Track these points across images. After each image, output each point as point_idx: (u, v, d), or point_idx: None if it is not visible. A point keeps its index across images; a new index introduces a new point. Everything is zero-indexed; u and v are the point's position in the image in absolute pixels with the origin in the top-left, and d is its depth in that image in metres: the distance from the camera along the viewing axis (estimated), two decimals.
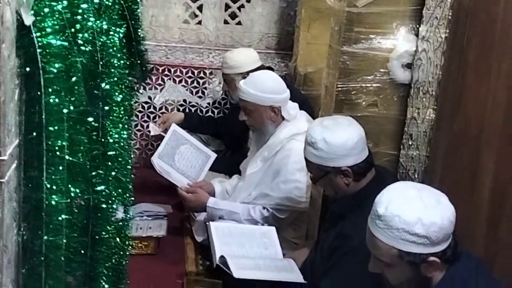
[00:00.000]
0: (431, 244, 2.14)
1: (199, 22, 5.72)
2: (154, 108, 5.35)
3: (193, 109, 5.38)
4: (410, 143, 3.39)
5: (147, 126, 5.12)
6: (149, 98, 5.34)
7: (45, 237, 1.40)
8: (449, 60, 2.92)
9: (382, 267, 2.23)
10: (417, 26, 3.35)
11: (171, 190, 4.31)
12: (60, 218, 1.41)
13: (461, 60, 2.76)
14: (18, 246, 1.48)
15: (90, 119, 1.54)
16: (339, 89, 3.54)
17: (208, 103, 5.38)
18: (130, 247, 2.42)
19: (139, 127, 5.36)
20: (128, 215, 2.20)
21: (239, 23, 5.76)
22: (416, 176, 3.38)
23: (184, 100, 5.37)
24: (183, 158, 4.29)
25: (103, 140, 1.65)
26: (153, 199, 4.41)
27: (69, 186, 1.43)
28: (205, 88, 5.37)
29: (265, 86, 3.87)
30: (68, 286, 1.61)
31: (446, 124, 2.89)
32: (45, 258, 1.41)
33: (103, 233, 1.68)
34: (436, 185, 3.05)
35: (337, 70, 3.50)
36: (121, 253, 2.09)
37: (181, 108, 5.35)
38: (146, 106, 5.34)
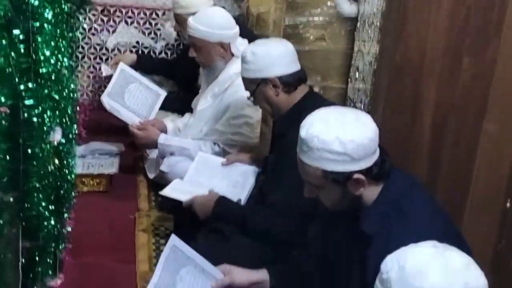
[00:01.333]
0: (352, 161, 2.18)
1: None
2: (107, 50, 5.31)
3: (146, 51, 5.35)
4: (357, 76, 3.44)
5: (100, 68, 5.09)
6: (102, 40, 5.29)
7: None
8: None
9: (315, 191, 2.28)
10: None
11: (124, 130, 4.31)
12: None
13: None
14: None
15: (16, 31, 1.54)
16: (287, 23, 3.56)
17: (162, 45, 5.36)
18: (73, 173, 2.44)
19: (91, 69, 5.32)
20: (69, 140, 2.20)
21: None
22: (362, 108, 3.43)
23: (137, 42, 5.34)
24: (133, 97, 4.28)
25: (34, 56, 1.65)
26: (106, 138, 4.40)
27: None
28: (158, 29, 5.34)
29: (214, 22, 3.86)
30: (2, 202, 1.63)
31: (388, 55, 2.93)
32: None
33: (37, 149, 1.69)
34: (379, 116, 3.12)
35: (284, 4, 3.52)
36: (61, 175, 2.10)
37: (134, 50, 5.32)
38: (98, 48, 5.30)
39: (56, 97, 1.86)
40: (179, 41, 5.28)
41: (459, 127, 2.86)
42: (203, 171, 3.60)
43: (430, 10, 2.78)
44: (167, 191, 3.40)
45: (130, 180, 4.25)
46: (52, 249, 2.10)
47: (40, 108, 1.69)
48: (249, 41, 4.00)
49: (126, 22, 5.28)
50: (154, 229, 3.74)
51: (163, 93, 4.39)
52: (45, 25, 1.71)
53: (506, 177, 2.83)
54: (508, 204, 2.72)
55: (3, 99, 1.46)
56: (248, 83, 3.19)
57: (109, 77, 4.75)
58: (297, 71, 3.09)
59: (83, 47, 5.25)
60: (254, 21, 5.10)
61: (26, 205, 1.70)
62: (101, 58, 5.29)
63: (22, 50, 1.57)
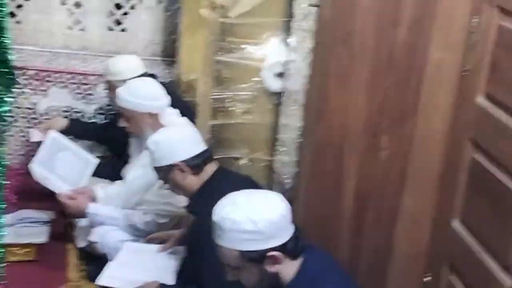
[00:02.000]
0: (266, 239, 2.26)
1: (83, 29, 5.71)
2: (38, 113, 5.31)
3: (77, 115, 5.36)
4: (282, 149, 3.55)
5: (28, 133, 5.07)
6: (33, 104, 5.29)
7: None
8: (313, 70, 3.08)
9: (236, 273, 2.35)
10: (288, 37, 3.50)
11: (54, 196, 4.30)
12: None
13: (323, 70, 2.92)
14: None
15: None
16: (215, 97, 3.66)
17: (93, 109, 5.38)
18: (2, 252, 2.44)
19: (22, 134, 5.30)
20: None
21: (124, 29, 5.77)
22: (288, 180, 3.53)
23: (68, 106, 5.35)
24: (63, 164, 4.28)
25: None
26: (36, 205, 4.40)
27: None
28: (90, 94, 5.36)
29: (141, 93, 3.94)
30: None
31: (311, 131, 3.05)
32: None
33: None
34: (303, 189, 3.22)
35: (212, 78, 3.62)
36: None
37: (65, 114, 5.33)
38: (29, 111, 5.29)
39: None
40: (111, 106, 5.31)
41: (380, 202, 2.98)
42: (131, 257, 3.62)
43: (351, 90, 2.92)
44: (103, 280, 3.39)
45: (59, 249, 4.24)
46: None
47: None
48: (176, 107, 4.10)
49: (58, 86, 5.29)
50: None
51: (94, 161, 4.39)
52: None
53: (423, 250, 2.96)
54: (425, 279, 2.85)
55: None
56: (158, 172, 3.31)
57: (39, 143, 4.75)
58: (202, 152, 3.20)
59: (13, 111, 5.22)
60: (184, 87, 5.20)
61: None
62: (32, 122, 5.28)
63: None
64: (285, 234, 2.33)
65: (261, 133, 3.67)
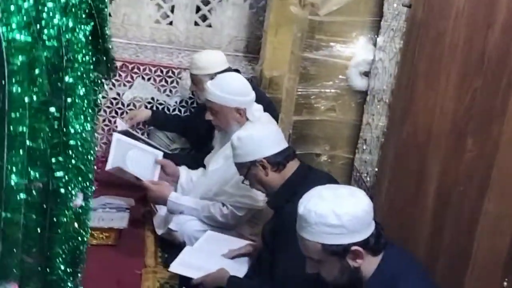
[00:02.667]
0: (349, 233, 2.30)
1: (170, 23, 5.83)
2: (122, 104, 5.46)
3: (160, 107, 5.49)
4: (364, 147, 3.55)
5: (115, 122, 5.22)
6: (118, 94, 5.44)
7: (3, 214, 1.51)
8: (401, 70, 3.07)
9: (316, 266, 2.38)
10: (376, 36, 3.51)
11: (134, 184, 4.41)
12: (18, 198, 1.52)
13: (412, 70, 2.91)
14: None
15: (52, 109, 1.64)
16: (299, 93, 3.69)
17: (176, 102, 5.50)
18: (88, 234, 2.52)
19: (106, 122, 5.46)
20: (88, 203, 2.30)
21: (209, 25, 5.88)
22: (368, 179, 3.53)
23: (152, 98, 5.48)
24: (134, 162, 4.35)
25: (64, 130, 1.76)
26: (116, 192, 4.50)
27: (29, 169, 1.54)
28: (174, 87, 5.48)
29: (231, 88, 3.99)
30: (23, 264, 1.72)
31: (396, 130, 3.04)
32: (3, 234, 1.52)
33: (61, 216, 1.78)
34: (384, 188, 3.22)
35: (298, 75, 3.65)
36: (79, 238, 2.18)
37: (148, 106, 5.46)
38: (114, 102, 5.45)
39: (81, 166, 1.96)
40: (193, 99, 5.41)
41: (461, 205, 2.95)
42: (209, 246, 3.68)
43: (438, 91, 2.89)
44: (176, 267, 3.46)
45: (138, 235, 4.33)
46: None
47: (66, 177, 1.80)
48: (259, 103, 4.15)
49: (143, 78, 5.42)
50: (160, 286, 3.81)
51: (159, 153, 4.50)
52: (77, 99, 1.83)
53: (504, 257, 2.93)
54: (505, 283, 2.81)
55: (38, 176, 1.57)
56: (240, 167, 3.35)
57: (122, 131, 4.87)
58: (284, 149, 3.22)
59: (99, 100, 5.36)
60: (267, 83, 5.26)
61: (48, 270, 1.79)
62: (116, 112, 5.43)
63: (56, 126, 1.69)
64: (368, 230, 2.35)
65: (343, 131, 3.69)
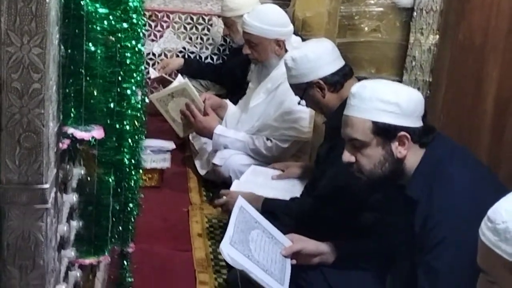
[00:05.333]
0: (402, 115, 2.19)
1: None
2: (154, 55, 5.38)
3: (192, 56, 5.40)
4: (414, 64, 3.44)
5: (147, 72, 5.13)
6: (149, 44, 5.34)
7: None
8: None
9: (356, 153, 2.27)
10: None
11: (171, 130, 4.33)
12: None
13: None
14: None
15: None
16: (343, 14, 3.58)
17: (207, 48, 5.41)
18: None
19: None
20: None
21: None
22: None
23: (184, 48, 5.39)
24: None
25: None
26: (155, 136, 4.41)
27: None
28: (205, 34, 5.39)
29: (271, 19, 3.89)
30: None
31: (451, 33, 2.93)
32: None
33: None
34: (440, 98, 3.12)
35: None
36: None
37: (180, 55, 5.37)
38: (145, 52, 5.35)
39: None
40: (225, 46, 5.33)
41: None
42: (256, 178, 3.58)
43: None
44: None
45: (181, 177, 4.28)
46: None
47: None
48: None
49: (173, 27, 5.33)
50: (208, 221, 3.75)
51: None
52: None
53: None
54: None
55: None
56: (295, 89, 3.18)
57: (157, 79, 4.78)
58: (340, 68, 3.06)
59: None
60: (300, 25, 5.15)
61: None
62: (147, 63, 5.34)
63: None
64: (418, 120, 2.24)
65: (389, 52, 3.57)
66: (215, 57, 5.42)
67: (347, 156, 2.30)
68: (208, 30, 5.40)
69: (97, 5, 1.34)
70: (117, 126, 1.62)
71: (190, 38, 5.39)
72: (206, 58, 5.42)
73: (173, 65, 5.01)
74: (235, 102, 4.41)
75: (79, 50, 1.36)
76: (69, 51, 1.36)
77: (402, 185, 2.25)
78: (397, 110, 2.19)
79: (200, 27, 5.38)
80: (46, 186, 1.28)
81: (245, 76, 4.65)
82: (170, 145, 4.31)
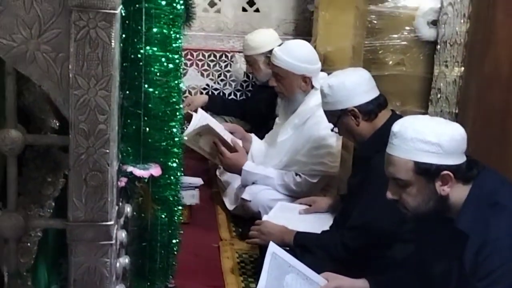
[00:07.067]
0: (444, 155, 2.22)
1: (218, 11, 5.83)
2: None
3: (216, 93, 5.48)
4: (439, 96, 3.48)
5: None
6: None
7: None
8: (477, 3, 3.01)
9: (399, 191, 2.30)
10: None
11: (200, 167, 4.38)
12: None
13: (489, 1, 2.85)
14: None
15: None
16: (367, 48, 3.64)
17: (230, 85, 5.48)
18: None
19: None
20: None
21: (257, 10, 5.86)
22: None
23: (207, 84, 5.47)
24: None
25: None
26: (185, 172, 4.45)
27: None
28: (227, 71, 5.47)
29: (300, 55, 3.95)
30: None
31: (477, 65, 2.97)
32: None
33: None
34: (468, 130, 3.15)
35: (365, 29, 3.60)
36: None
37: (204, 92, 5.45)
38: None
39: None
40: (248, 82, 5.40)
41: None
42: (284, 214, 3.61)
43: None
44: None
45: (209, 213, 4.31)
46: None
47: None
48: None
49: (197, 65, 5.42)
50: (239, 256, 3.77)
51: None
52: None
53: None
54: None
55: None
56: (329, 115, 3.23)
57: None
58: (375, 97, 3.10)
59: None
60: (322, 60, 5.19)
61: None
62: None
63: None
64: (461, 157, 2.27)
65: (414, 85, 3.62)
66: (238, 93, 5.50)
67: (391, 193, 2.35)
68: (231, 66, 5.47)
69: (155, 48, 1.40)
70: (169, 164, 1.67)
71: (213, 75, 5.46)
72: (229, 94, 5.50)
73: (198, 102, 5.07)
74: (260, 138, 4.46)
75: (137, 92, 1.41)
76: (127, 92, 1.42)
77: (449, 218, 2.28)
78: (439, 150, 2.23)
79: (223, 64, 5.47)
80: (111, 222, 1.33)
81: (270, 112, 4.69)
82: (198, 181, 4.35)
